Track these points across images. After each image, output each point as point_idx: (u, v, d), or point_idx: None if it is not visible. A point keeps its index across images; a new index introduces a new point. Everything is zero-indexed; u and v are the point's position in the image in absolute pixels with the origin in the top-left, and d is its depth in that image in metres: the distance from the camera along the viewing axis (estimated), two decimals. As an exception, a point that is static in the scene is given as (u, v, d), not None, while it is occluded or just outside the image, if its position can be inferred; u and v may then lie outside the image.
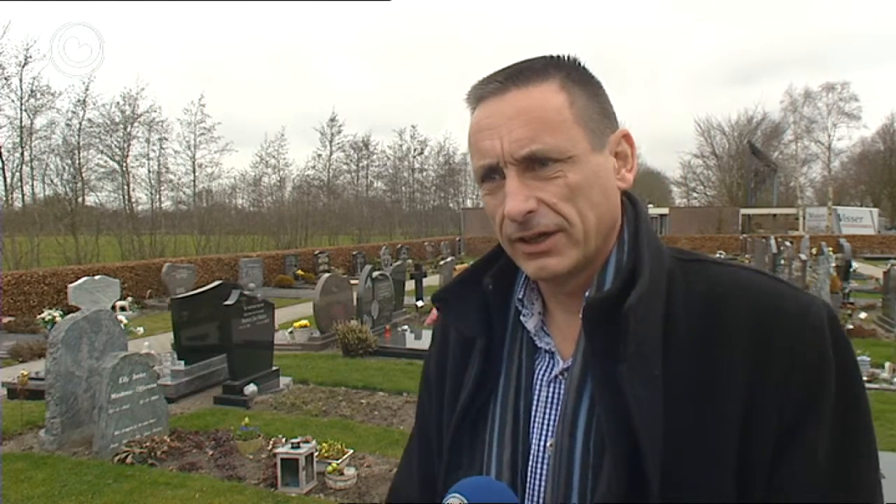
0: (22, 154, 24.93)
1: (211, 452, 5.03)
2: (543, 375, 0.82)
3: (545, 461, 0.78)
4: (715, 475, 0.69)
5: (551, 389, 0.81)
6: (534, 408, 0.81)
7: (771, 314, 0.73)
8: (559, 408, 0.79)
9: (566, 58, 0.79)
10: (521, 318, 0.85)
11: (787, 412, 0.69)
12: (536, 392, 0.82)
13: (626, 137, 0.81)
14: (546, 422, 0.80)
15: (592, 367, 0.75)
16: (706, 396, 0.70)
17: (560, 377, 0.81)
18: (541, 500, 0.78)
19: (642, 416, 0.69)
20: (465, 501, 0.71)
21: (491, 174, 0.77)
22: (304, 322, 9.80)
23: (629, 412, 0.70)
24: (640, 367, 0.71)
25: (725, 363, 0.71)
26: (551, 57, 0.79)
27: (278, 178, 38.48)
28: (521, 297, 0.86)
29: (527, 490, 0.79)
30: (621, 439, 0.70)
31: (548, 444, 0.79)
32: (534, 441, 0.80)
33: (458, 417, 0.85)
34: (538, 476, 0.79)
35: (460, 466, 0.84)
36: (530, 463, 0.80)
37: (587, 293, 0.79)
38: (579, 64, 0.80)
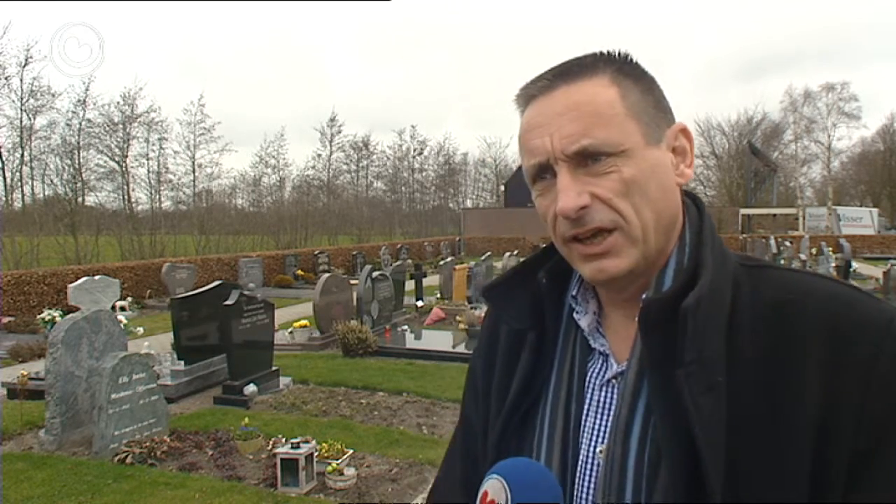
0: (22, 154, 25.07)
1: (211, 452, 5.03)
2: (596, 378, 0.80)
3: (594, 467, 0.76)
4: (783, 489, 0.65)
5: (604, 393, 0.78)
6: (585, 411, 0.79)
7: (848, 323, 0.68)
8: (612, 413, 0.76)
9: (616, 53, 0.77)
10: (575, 315, 0.82)
11: (866, 427, 0.65)
12: (588, 395, 0.79)
13: (684, 132, 0.78)
14: (597, 426, 0.77)
15: (649, 373, 0.72)
16: (775, 407, 0.66)
17: (614, 381, 0.78)
18: None
19: (703, 424, 0.65)
20: (504, 482, 0.68)
21: (542, 173, 0.75)
22: (303, 322, 9.79)
23: (688, 420, 0.66)
24: (700, 373, 0.67)
25: (797, 372, 0.67)
26: (601, 53, 0.77)
27: (278, 178, 38.63)
28: (574, 293, 0.83)
29: (575, 495, 0.77)
30: (679, 448, 0.67)
31: (598, 450, 0.76)
32: (584, 445, 0.77)
33: (506, 414, 0.82)
34: (587, 481, 0.76)
35: None
36: (579, 468, 0.77)
37: (645, 294, 0.75)
38: (631, 59, 0.78)
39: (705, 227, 0.78)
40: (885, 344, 0.67)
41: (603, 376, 0.79)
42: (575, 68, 0.75)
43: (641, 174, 0.72)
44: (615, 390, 0.77)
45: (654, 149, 0.74)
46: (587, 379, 0.80)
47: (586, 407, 0.79)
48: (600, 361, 0.80)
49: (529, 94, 0.77)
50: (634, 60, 0.78)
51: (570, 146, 0.71)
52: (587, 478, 0.76)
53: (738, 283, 0.74)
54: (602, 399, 0.78)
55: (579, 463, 0.77)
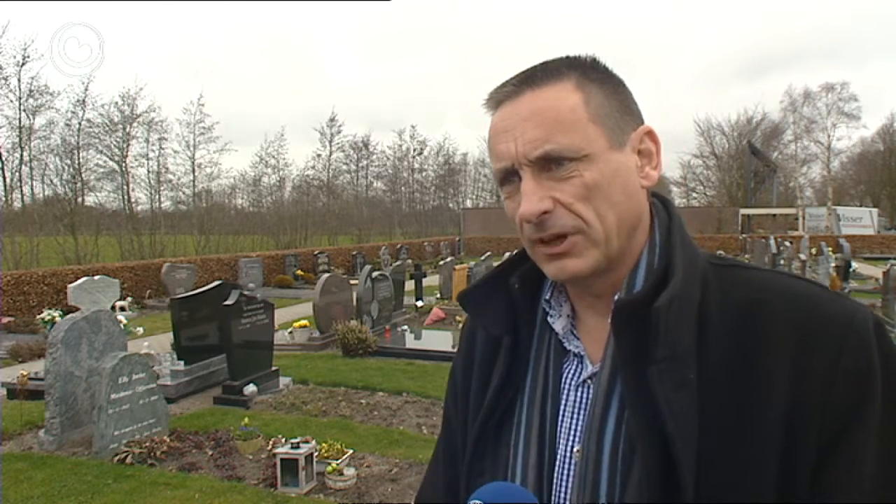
0: (21, 154, 24.97)
1: (211, 452, 5.03)
2: (571, 379, 0.81)
3: (571, 467, 0.77)
4: (752, 482, 0.67)
5: (579, 393, 0.80)
6: (561, 411, 0.80)
7: (814, 320, 0.70)
8: (587, 412, 0.78)
9: (583, 57, 0.79)
10: (549, 319, 0.84)
11: (831, 420, 0.67)
12: (564, 396, 0.81)
13: (650, 134, 0.80)
14: (573, 426, 0.79)
15: (621, 371, 0.74)
16: (744, 402, 0.68)
17: (589, 381, 0.79)
18: None
19: (675, 419, 0.67)
20: None
21: (509, 177, 0.77)
22: (303, 322, 9.80)
23: (661, 416, 0.68)
24: (672, 370, 0.69)
25: (764, 369, 0.69)
26: (567, 57, 0.79)
27: (278, 178, 38.52)
28: (548, 297, 0.85)
29: (553, 496, 0.78)
30: (652, 444, 0.69)
31: (575, 450, 0.77)
32: (560, 446, 0.79)
33: (482, 418, 0.83)
34: (564, 481, 0.77)
35: (484, 470, 0.82)
36: (556, 468, 0.78)
37: (617, 296, 0.77)
38: (597, 62, 0.79)
39: (674, 227, 0.80)
40: (847, 340, 0.69)
41: (578, 377, 0.81)
42: (540, 73, 0.77)
43: (603, 178, 0.74)
44: (590, 390, 0.79)
45: (618, 152, 0.76)
46: (563, 380, 0.81)
47: (562, 407, 0.80)
48: (575, 363, 0.82)
49: (497, 99, 0.79)
50: (602, 64, 0.79)
51: (532, 151, 0.73)
52: (565, 477, 0.77)
53: (707, 282, 0.76)
54: (577, 399, 0.80)
55: (557, 463, 0.78)
